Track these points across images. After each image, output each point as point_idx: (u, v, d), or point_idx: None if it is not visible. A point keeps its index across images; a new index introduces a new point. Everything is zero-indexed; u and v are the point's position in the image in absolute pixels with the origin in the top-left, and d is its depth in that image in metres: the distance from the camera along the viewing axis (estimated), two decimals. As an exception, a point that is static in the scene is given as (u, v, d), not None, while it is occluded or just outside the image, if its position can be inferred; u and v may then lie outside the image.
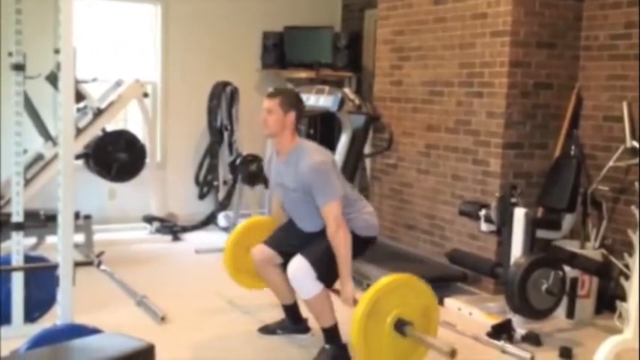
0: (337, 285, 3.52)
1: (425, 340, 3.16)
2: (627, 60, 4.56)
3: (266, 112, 3.54)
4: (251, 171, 5.70)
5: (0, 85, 5.39)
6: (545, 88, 4.82)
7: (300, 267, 3.44)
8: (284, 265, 3.61)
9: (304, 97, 5.40)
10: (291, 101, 3.58)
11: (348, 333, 3.24)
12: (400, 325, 3.16)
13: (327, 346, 3.54)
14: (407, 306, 3.22)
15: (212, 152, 6.80)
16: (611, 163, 4.49)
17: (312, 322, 3.81)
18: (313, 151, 3.54)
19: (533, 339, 3.91)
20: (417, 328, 3.18)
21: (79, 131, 5.59)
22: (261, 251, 3.78)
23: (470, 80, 4.97)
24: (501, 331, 3.94)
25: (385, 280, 3.28)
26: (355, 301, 3.30)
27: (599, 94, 4.77)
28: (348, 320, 3.24)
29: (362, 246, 3.63)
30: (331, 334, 3.54)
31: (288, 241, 3.71)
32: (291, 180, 3.54)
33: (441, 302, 4.59)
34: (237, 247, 4.09)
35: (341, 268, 3.42)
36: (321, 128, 6.80)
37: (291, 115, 3.54)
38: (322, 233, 3.49)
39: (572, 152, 4.75)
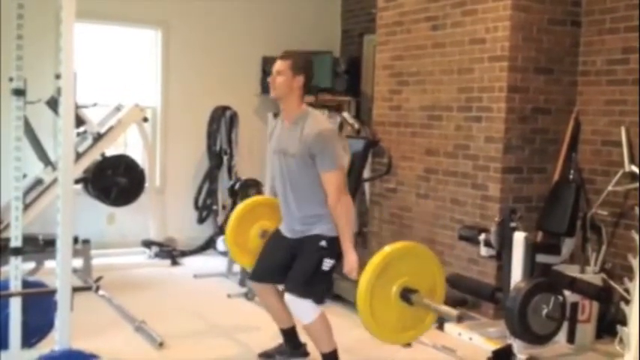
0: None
1: (431, 306, 3.11)
2: (625, 85, 4.59)
3: (275, 73, 3.53)
4: (250, 195, 5.68)
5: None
6: (544, 112, 4.84)
7: (294, 300, 3.45)
8: (282, 282, 3.60)
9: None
10: (302, 65, 3.55)
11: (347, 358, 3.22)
12: (406, 294, 3.11)
13: (326, 372, 3.53)
14: (413, 275, 3.17)
15: (211, 176, 6.81)
16: (610, 188, 4.50)
17: (311, 348, 3.78)
18: (320, 118, 3.53)
19: (534, 364, 3.89)
20: (423, 296, 3.13)
21: (79, 156, 5.59)
22: (255, 285, 3.82)
23: (468, 105, 5.00)
24: (502, 357, 3.91)
25: (392, 247, 3.23)
26: (359, 272, 3.28)
27: (598, 119, 4.79)
28: (347, 344, 3.23)
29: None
30: (331, 359, 3.52)
31: (274, 264, 3.66)
32: (294, 145, 3.48)
33: (440, 327, 4.58)
34: (240, 227, 4.06)
35: (342, 238, 3.41)
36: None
37: (300, 79, 3.51)
38: (306, 243, 3.48)
39: (571, 177, 4.76)
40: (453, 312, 3.04)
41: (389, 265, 3.13)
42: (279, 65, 3.54)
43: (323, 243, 3.48)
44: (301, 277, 3.45)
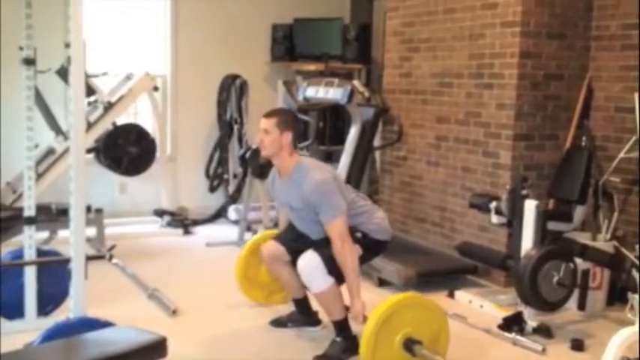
0: (347, 301, 3.52)
1: (433, 359, 3.15)
2: None
3: (262, 132, 3.56)
4: (261, 164, 5.70)
5: (0, 80, 5.43)
6: (556, 79, 4.79)
7: (311, 261, 3.45)
8: (293, 262, 3.62)
9: (313, 89, 5.42)
10: (288, 121, 3.59)
11: (359, 324, 3.25)
12: (409, 344, 3.15)
13: (337, 339, 3.55)
14: (417, 326, 3.20)
15: (222, 145, 6.81)
16: (622, 155, 4.46)
17: (323, 315, 3.81)
18: (314, 169, 3.52)
19: (544, 331, 3.91)
20: (426, 348, 3.16)
21: (90, 125, 5.61)
22: (270, 248, 3.83)
23: (480, 71, 4.95)
24: (512, 324, 3.94)
25: (398, 297, 3.27)
26: (365, 318, 3.30)
27: (611, 85, 4.74)
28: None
29: (374, 249, 3.67)
30: (342, 326, 3.55)
31: (298, 238, 3.71)
32: (297, 201, 3.55)
33: (451, 295, 4.60)
34: (250, 259, 4.13)
35: (349, 283, 3.43)
36: (331, 121, 6.79)
37: (288, 135, 3.54)
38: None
39: (584, 144, 4.73)
40: None
41: (394, 314, 3.16)
42: (265, 124, 3.56)
43: (358, 234, 3.54)
44: (326, 249, 3.45)
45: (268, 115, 3.62)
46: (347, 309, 3.53)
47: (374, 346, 3.09)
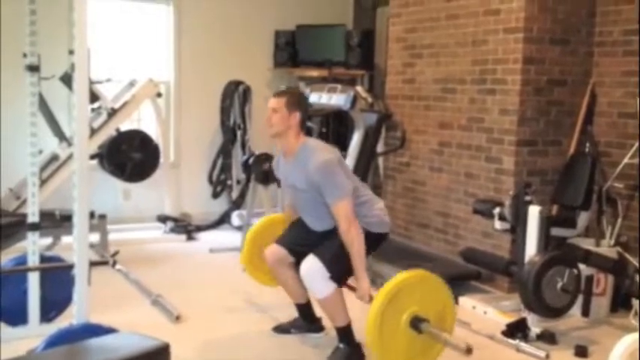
0: (353, 282, 3.51)
1: (441, 337, 3.15)
2: (642, 56, 4.53)
3: (271, 110, 3.54)
4: (264, 170, 5.71)
5: (1, 85, 5.44)
6: (559, 84, 4.79)
7: (312, 266, 3.44)
8: (297, 264, 3.62)
9: (316, 95, 5.42)
10: (297, 101, 3.58)
11: (362, 331, 3.25)
12: (416, 322, 3.15)
13: (340, 345, 3.55)
14: (424, 304, 3.21)
15: (225, 151, 6.82)
16: (626, 160, 4.46)
17: (326, 321, 3.81)
18: (319, 150, 3.52)
19: (548, 337, 3.90)
20: (433, 326, 3.17)
21: (94, 131, 5.62)
22: (273, 251, 3.80)
23: (483, 77, 4.96)
24: (516, 330, 3.93)
25: (403, 275, 3.26)
26: (371, 298, 3.29)
27: (614, 91, 4.74)
28: (362, 318, 3.25)
29: (374, 242, 3.64)
30: (345, 333, 3.55)
31: (300, 239, 3.71)
32: (301, 181, 3.53)
33: (455, 301, 4.58)
34: (255, 245, 4.12)
35: (355, 264, 3.41)
36: (334, 127, 6.80)
37: (296, 116, 3.53)
38: (334, 231, 3.49)
39: (587, 149, 4.73)
40: (462, 344, 3.06)
41: (400, 293, 3.16)
42: (273, 103, 3.55)
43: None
44: (330, 249, 3.45)
45: (278, 94, 3.61)
46: (353, 289, 3.51)
47: (380, 325, 3.09)
